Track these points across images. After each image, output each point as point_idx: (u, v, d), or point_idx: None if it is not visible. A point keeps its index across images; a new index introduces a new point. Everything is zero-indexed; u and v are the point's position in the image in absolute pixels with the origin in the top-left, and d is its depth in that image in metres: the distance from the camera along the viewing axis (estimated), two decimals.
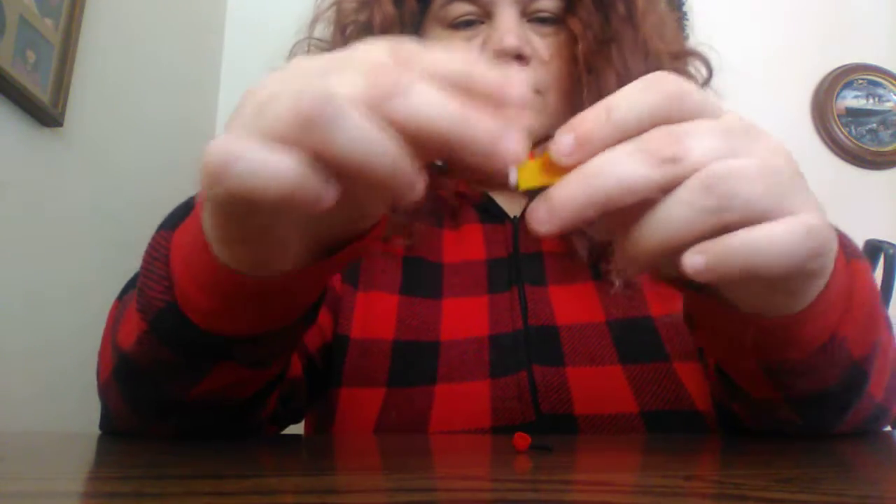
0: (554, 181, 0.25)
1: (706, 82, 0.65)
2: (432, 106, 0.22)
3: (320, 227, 0.29)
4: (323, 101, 0.22)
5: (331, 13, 0.67)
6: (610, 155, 0.24)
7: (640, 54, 0.59)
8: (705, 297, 0.32)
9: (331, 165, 0.22)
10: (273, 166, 0.22)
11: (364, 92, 0.23)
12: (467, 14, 0.61)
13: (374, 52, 0.25)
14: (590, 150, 0.24)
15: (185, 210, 0.35)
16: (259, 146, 0.22)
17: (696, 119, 0.25)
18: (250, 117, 0.23)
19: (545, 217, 0.24)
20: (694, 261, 0.24)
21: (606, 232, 0.28)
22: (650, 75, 0.26)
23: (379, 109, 0.22)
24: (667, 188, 0.24)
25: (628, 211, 0.25)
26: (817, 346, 0.33)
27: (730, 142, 0.25)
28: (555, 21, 0.61)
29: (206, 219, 0.28)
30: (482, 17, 0.61)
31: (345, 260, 0.30)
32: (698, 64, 0.65)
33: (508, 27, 0.58)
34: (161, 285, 0.33)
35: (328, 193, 0.23)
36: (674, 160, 0.24)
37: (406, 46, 0.24)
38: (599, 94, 0.57)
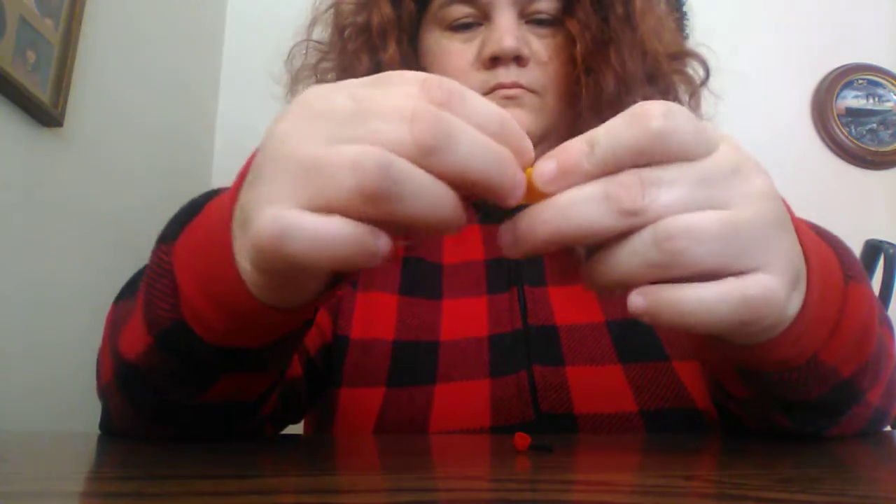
0: (530, 201, 0.26)
1: (703, 83, 0.65)
2: (473, 156, 0.24)
3: None
4: (385, 172, 0.22)
5: (329, 15, 0.67)
6: (576, 195, 0.25)
7: (638, 55, 0.59)
8: None
9: (390, 225, 0.23)
10: (330, 237, 0.22)
11: (411, 145, 0.23)
12: (466, 16, 0.61)
13: (409, 91, 0.24)
14: (569, 182, 0.25)
15: (183, 219, 0.34)
16: (313, 216, 0.22)
17: (680, 158, 0.25)
18: (299, 184, 0.23)
19: (510, 244, 0.26)
20: (635, 302, 0.25)
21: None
22: (638, 107, 0.26)
23: (426, 162, 0.23)
24: (626, 233, 0.25)
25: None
26: (792, 367, 0.33)
27: (701, 191, 0.25)
28: (553, 22, 0.61)
29: (249, 273, 0.28)
30: (480, 18, 0.61)
31: (357, 272, 0.30)
32: (696, 64, 0.65)
33: (507, 29, 0.58)
34: (167, 303, 0.33)
35: (383, 247, 0.23)
36: (634, 213, 0.24)
37: (440, 84, 0.25)
38: (598, 95, 0.57)
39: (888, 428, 0.46)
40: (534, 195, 0.26)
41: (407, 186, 0.22)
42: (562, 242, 0.25)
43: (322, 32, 0.68)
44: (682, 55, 0.64)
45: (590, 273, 0.27)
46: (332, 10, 0.67)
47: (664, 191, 0.25)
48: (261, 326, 0.31)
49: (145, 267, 0.36)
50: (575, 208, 0.25)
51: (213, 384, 0.35)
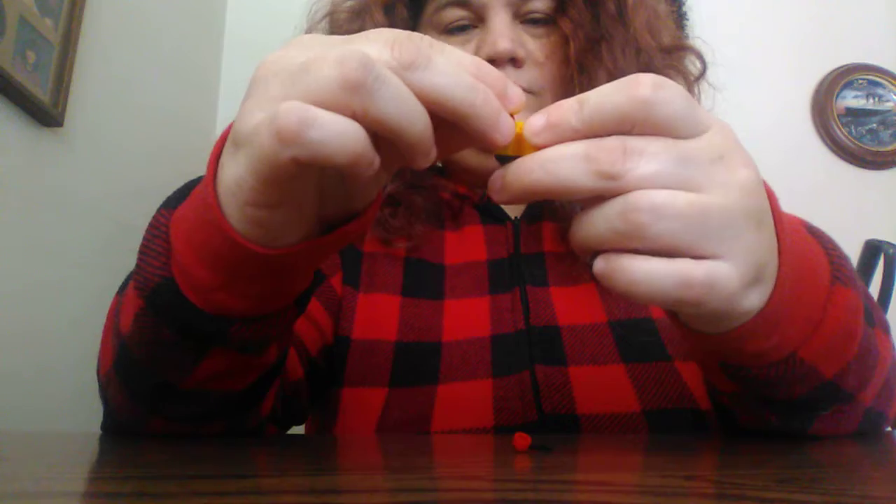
0: (521, 153, 0.27)
1: (700, 76, 0.64)
2: (450, 77, 0.25)
3: (328, 200, 0.30)
4: (366, 67, 0.24)
5: (324, 24, 0.67)
6: (560, 151, 0.26)
7: (632, 52, 0.59)
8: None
9: (370, 128, 0.25)
10: (344, 131, 0.24)
11: (391, 60, 0.25)
12: (460, 19, 0.61)
13: (388, 32, 0.26)
14: (556, 136, 0.27)
15: (186, 191, 0.35)
16: (329, 114, 0.24)
17: (665, 132, 0.26)
18: (288, 84, 0.25)
19: (499, 189, 0.28)
20: (597, 265, 0.27)
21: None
22: (632, 76, 0.26)
23: (404, 78, 0.25)
24: (603, 196, 0.26)
25: None
26: (771, 362, 0.33)
27: (680, 170, 0.26)
28: (547, 21, 0.61)
29: (242, 184, 0.27)
30: (475, 21, 0.61)
31: (343, 237, 0.31)
32: (693, 58, 0.64)
33: (501, 31, 0.58)
34: (158, 261, 0.33)
35: (376, 161, 0.25)
36: (610, 177, 0.25)
37: (414, 35, 0.26)
38: None
39: (888, 428, 0.46)
40: (526, 148, 0.27)
41: (385, 85, 0.24)
42: (540, 194, 0.27)
43: None
44: (676, 49, 0.64)
45: (571, 232, 0.28)
46: (327, 19, 0.67)
47: (644, 162, 0.25)
48: (245, 278, 0.31)
49: None
50: (556, 163, 0.26)
51: (202, 359, 0.35)
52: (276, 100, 0.25)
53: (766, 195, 0.28)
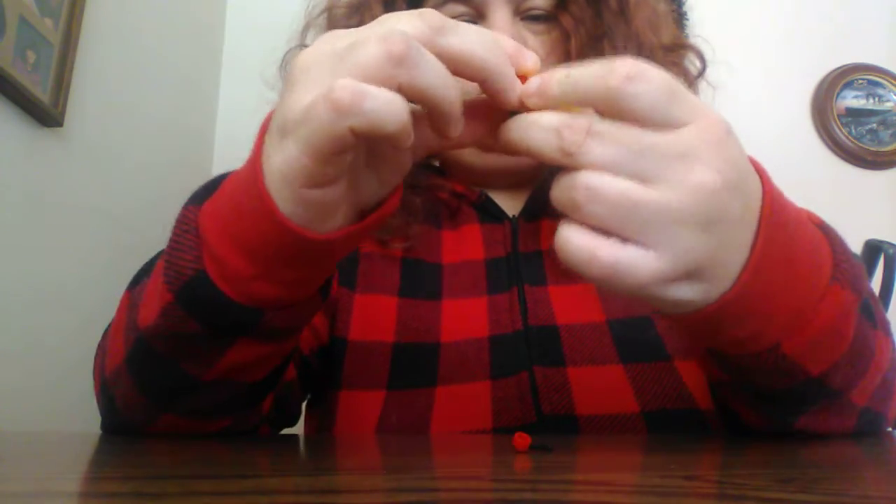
0: (523, 109, 0.30)
1: (700, 74, 0.64)
2: (477, 41, 0.28)
3: (361, 188, 0.32)
4: (408, 42, 0.26)
5: (322, 19, 0.67)
6: (537, 118, 0.29)
7: (633, 48, 0.59)
8: None
9: (411, 99, 0.27)
10: (394, 103, 0.26)
11: (423, 27, 0.27)
12: (460, 15, 0.61)
13: (412, 11, 0.29)
14: (542, 102, 0.29)
15: (212, 188, 0.36)
16: (378, 88, 0.26)
17: (633, 119, 0.27)
18: (336, 65, 0.27)
19: (497, 138, 0.31)
20: (560, 224, 0.29)
21: None
22: (615, 61, 0.27)
23: (433, 43, 0.27)
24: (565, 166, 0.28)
25: None
26: (750, 351, 0.33)
27: (635, 160, 0.27)
28: (548, 18, 0.61)
29: (296, 164, 0.28)
30: (475, 17, 0.61)
31: (375, 222, 0.32)
32: (692, 56, 0.64)
33: (501, 27, 0.58)
34: (190, 254, 0.34)
35: (413, 132, 0.28)
36: (568, 154, 0.27)
37: (432, 12, 0.28)
38: None
39: (889, 428, 0.46)
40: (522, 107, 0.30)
41: (424, 58, 0.27)
42: (519, 153, 0.30)
43: (315, 37, 0.68)
44: (677, 47, 0.64)
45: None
46: (324, 15, 0.67)
47: (602, 147, 0.27)
48: (283, 265, 0.32)
49: (158, 254, 0.37)
50: (530, 129, 0.29)
51: (227, 350, 0.36)
52: (324, 81, 0.26)
53: (733, 200, 0.28)
